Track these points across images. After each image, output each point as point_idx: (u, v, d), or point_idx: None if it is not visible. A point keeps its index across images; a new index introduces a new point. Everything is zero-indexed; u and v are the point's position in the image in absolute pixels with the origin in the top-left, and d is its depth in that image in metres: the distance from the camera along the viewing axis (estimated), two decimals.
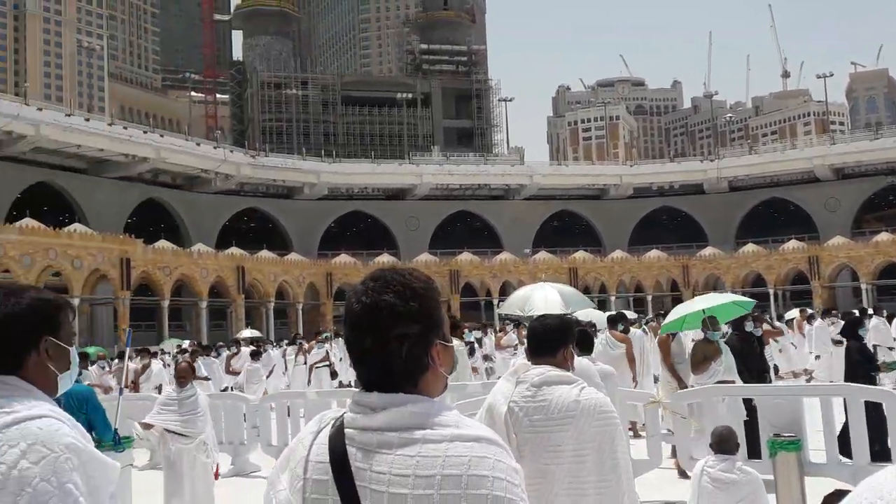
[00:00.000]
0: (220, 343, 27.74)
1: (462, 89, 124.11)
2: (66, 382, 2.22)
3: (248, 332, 35.89)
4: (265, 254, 62.44)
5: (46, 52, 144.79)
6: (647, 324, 22.38)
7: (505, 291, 57.00)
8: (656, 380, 14.86)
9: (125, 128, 66.63)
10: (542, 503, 3.16)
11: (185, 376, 8.84)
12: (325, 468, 1.72)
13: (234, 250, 59.80)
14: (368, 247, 75.09)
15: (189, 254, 56.51)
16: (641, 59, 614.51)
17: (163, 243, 55.41)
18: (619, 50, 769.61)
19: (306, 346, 22.53)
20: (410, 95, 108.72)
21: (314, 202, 79.29)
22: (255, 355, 19.87)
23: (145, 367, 17.85)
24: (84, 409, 7.03)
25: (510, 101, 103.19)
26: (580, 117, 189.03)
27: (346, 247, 72.69)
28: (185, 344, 28.84)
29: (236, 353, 21.86)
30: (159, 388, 16.36)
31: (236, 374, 20.23)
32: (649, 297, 67.44)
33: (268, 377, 19.90)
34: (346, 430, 1.73)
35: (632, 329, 16.24)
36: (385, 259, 67.68)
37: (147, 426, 8.67)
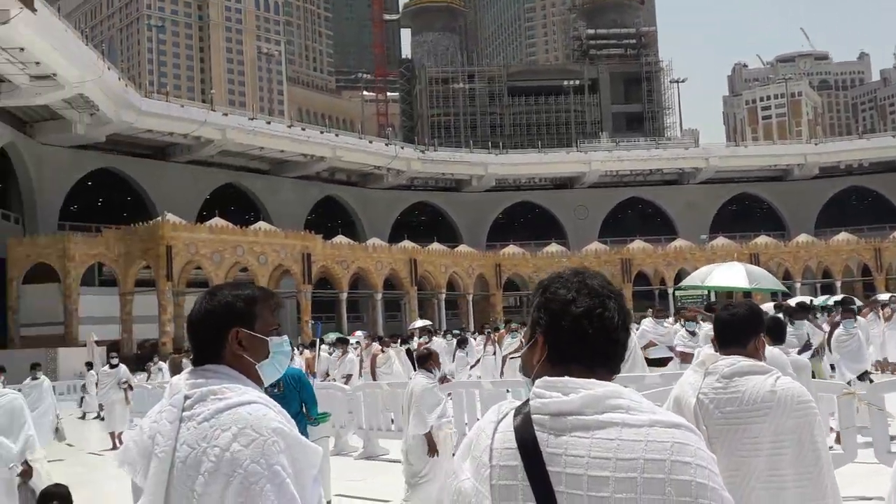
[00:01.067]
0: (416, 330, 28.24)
1: (631, 73, 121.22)
2: (269, 371, 2.31)
3: (420, 323, 36.59)
4: (436, 246, 63.45)
5: (229, 60, 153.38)
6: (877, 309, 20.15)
7: (680, 279, 55.31)
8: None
9: (303, 129, 69.48)
10: (737, 496, 2.93)
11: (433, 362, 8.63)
12: (512, 454, 1.69)
13: (407, 243, 61.15)
14: (537, 237, 74.82)
15: (364, 248, 58.29)
16: (824, 32, 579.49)
17: (340, 238, 57.40)
18: (799, 23, 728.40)
19: (495, 335, 22.43)
20: (577, 82, 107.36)
21: (482, 194, 79.82)
22: (462, 343, 20.35)
23: (342, 355, 18.44)
24: (298, 387, 7.59)
25: (682, 82, 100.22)
26: (759, 95, 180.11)
27: (515, 238, 72.72)
28: (360, 335, 29.49)
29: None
30: (347, 378, 16.88)
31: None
32: (838, 284, 63.29)
33: (472, 367, 20.16)
34: (535, 416, 1.70)
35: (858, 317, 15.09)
36: (554, 249, 67.20)
37: None
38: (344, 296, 54.98)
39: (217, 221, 49.36)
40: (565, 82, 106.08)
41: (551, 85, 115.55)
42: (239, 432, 2.02)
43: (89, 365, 25.67)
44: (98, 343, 31.75)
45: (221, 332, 2.25)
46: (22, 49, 39.19)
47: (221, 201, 61.79)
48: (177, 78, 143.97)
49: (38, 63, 41.05)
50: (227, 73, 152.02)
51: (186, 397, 2.14)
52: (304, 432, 6.93)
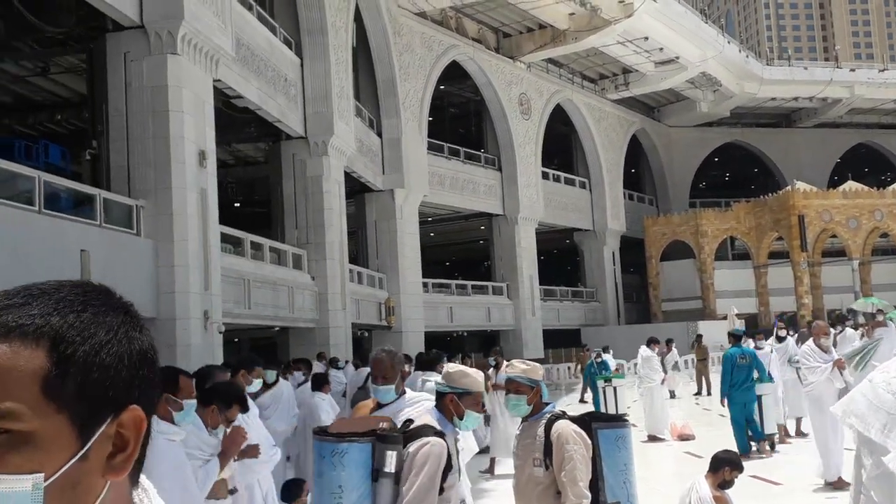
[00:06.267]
0: None
1: None
2: None
3: None
4: None
5: (852, 12, 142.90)
6: None
7: None
8: None
9: None
10: None
11: None
12: None
13: None
14: None
15: None
16: None
17: None
18: None
19: None
20: None
21: None
22: None
23: None
24: None
25: None
26: None
27: None
28: None
29: None
30: None
31: None
32: None
33: None
34: None
35: None
36: None
37: None
38: None
39: (850, 185, 46.27)
40: None
41: None
42: None
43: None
44: (738, 316, 32.03)
45: None
46: (646, 38, 41.42)
47: (854, 164, 57.76)
48: (797, 41, 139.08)
49: (661, 49, 42.99)
50: (850, 27, 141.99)
51: None
52: None
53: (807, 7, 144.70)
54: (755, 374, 13.65)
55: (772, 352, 15.19)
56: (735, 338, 14.59)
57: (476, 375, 4.35)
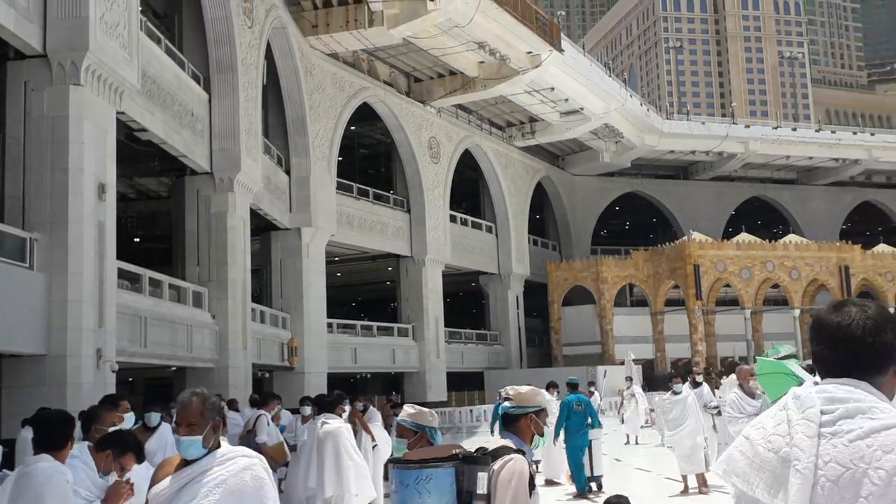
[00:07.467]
0: None
1: None
2: None
3: None
4: None
5: (749, 70, 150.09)
6: None
7: None
8: None
9: (833, 132, 64.46)
10: None
11: None
12: None
13: None
14: None
15: None
16: None
17: (882, 247, 52.12)
18: None
19: None
20: None
21: None
22: None
23: None
24: None
25: None
26: None
27: None
28: None
29: None
30: None
31: None
32: None
33: None
34: None
35: None
36: None
37: None
38: (892, 310, 49.42)
39: (744, 237, 48.23)
40: None
41: None
42: None
43: (629, 380, 27.16)
44: (635, 362, 32.82)
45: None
46: (552, 89, 42.59)
47: (747, 216, 60.24)
48: (696, 96, 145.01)
49: (566, 100, 44.25)
50: (746, 84, 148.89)
51: (822, 412, 2.06)
52: None
53: (706, 65, 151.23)
54: (589, 420, 14.48)
55: (688, 398, 14.65)
56: (572, 386, 15.49)
57: (540, 390, 4.34)
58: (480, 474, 3.59)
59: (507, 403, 4.15)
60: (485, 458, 3.66)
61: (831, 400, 2.08)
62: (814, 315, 2.29)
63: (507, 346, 47.78)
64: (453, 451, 3.68)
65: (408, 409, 4.78)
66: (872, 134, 65.94)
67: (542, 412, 4.12)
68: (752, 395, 10.54)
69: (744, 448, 2.15)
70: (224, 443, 3.83)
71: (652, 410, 26.68)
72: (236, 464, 3.70)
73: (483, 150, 46.87)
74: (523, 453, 3.81)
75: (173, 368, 23.60)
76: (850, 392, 2.09)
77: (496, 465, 3.67)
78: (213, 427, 3.76)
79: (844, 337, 2.16)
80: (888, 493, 1.90)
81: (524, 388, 4.19)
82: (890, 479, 1.90)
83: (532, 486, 3.71)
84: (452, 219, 43.88)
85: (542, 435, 4.11)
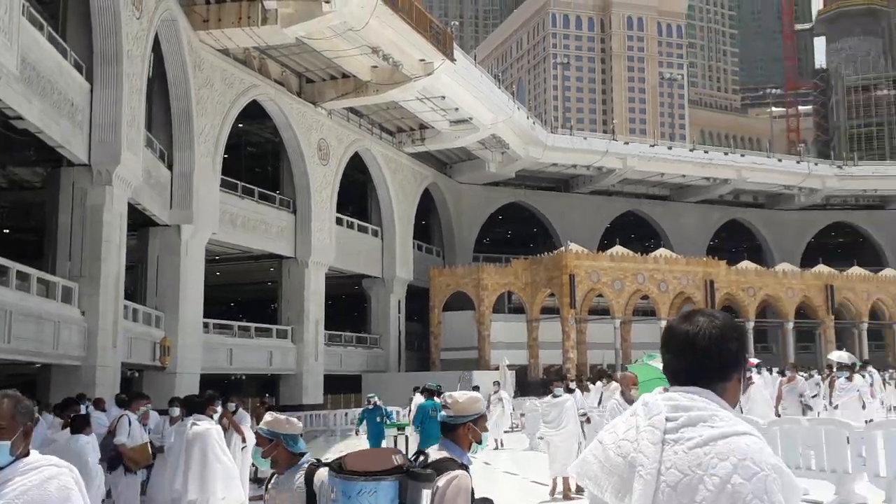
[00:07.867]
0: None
1: None
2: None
3: (837, 355, 33.32)
4: (856, 271, 57.82)
5: (630, 89, 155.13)
6: None
7: None
8: None
9: (706, 152, 67.65)
10: None
11: None
12: None
13: (822, 268, 56.56)
14: None
15: (773, 273, 55.08)
16: None
17: (746, 264, 54.86)
18: None
19: None
20: None
21: None
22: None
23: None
24: None
25: None
26: None
27: None
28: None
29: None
30: None
31: None
32: None
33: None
34: None
35: None
36: None
37: None
38: (751, 325, 52.30)
39: (618, 249, 49.95)
40: None
41: None
42: (738, 464, 2.01)
43: (497, 384, 27.88)
44: (509, 367, 33.67)
45: (741, 358, 2.27)
46: (443, 97, 43.26)
47: (622, 229, 62.40)
48: (580, 111, 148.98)
49: (456, 109, 45.01)
50: (627, 102, 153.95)
51: (668, 419, 2.14)
52: None
53: (591, 82, 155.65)
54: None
55: (566, 402, 14.94)
56: (430, 392, 15.96)
57: (478, 395, 4.32)
58: (425, 491, 3.47)
59: (444, 412, 4.15)
60: (429, 474, 3.55)
61: (676, 408, 2.15)
62: (666, 324, 2.37)
63: (387, 349, 48.14)
64: (393, 458, 3.53)
65: (266, 417, 4.73)
66: (742, 155, 69.51)
67: (480, 419, 4.13)
68: (632, 403, 10.76)
69: (597, 452, 2.21)
70: (34, 452, 3.44)
71: (522, 415, 27.49)
72: (41, 473, 3.32)
73: (373, 155, 47.13)
74: (466, 468, 3.81)
75: (38, 365, 22.92)
76: (694, 400, 2.15)
77: (441, 482, 3.65)
78: (25, 432, 3.40)
79: (692, 345, 2.21)
80: (720, 499, 1.97)
81: (462, 398, 4.17)
82: (723, 486, 1.98)
83: (473, 500, 3.75)
84: (339, 221, 43.93)
85: (479, 442, 4.13)
